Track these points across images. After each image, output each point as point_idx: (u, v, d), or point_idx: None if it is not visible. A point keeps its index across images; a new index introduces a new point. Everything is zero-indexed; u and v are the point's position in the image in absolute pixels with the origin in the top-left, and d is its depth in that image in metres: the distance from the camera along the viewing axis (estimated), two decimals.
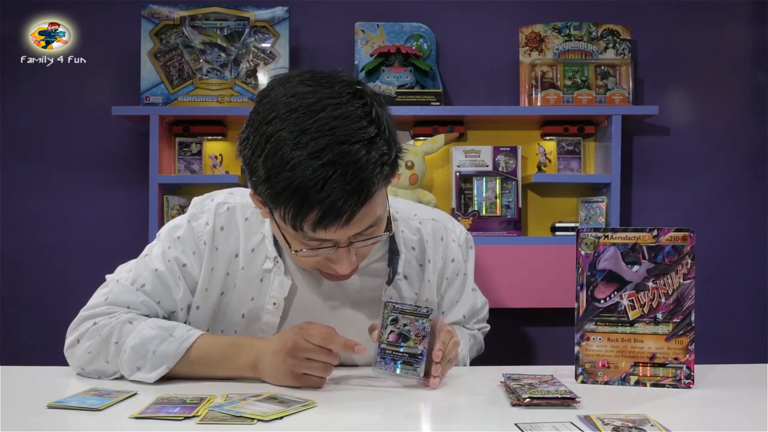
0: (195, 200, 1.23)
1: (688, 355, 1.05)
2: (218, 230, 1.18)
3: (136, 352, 1.06)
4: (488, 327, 1.43)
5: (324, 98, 0.96)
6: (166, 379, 1.06)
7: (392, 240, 1.21)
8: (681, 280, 1.05)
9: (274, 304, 1.17)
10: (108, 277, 1.21)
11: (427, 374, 1.04)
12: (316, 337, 1.03)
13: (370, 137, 0.96)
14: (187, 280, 1.17)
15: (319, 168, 0.92)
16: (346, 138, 0.94)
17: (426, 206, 1.35)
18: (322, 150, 0.93)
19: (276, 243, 1.17)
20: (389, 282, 1.20)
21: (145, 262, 1.18)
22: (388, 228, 1.08)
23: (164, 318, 1.16)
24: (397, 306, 1.06)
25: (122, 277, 1.17)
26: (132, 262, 1.21)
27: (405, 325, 1.05)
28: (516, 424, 0.85)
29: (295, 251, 1.04)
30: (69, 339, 1.13)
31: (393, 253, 1.21)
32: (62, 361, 1.18)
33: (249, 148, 0.98)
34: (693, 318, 1.05)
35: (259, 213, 1.19)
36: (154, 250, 1.19)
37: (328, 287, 1.18)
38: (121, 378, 1.09)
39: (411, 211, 1.29)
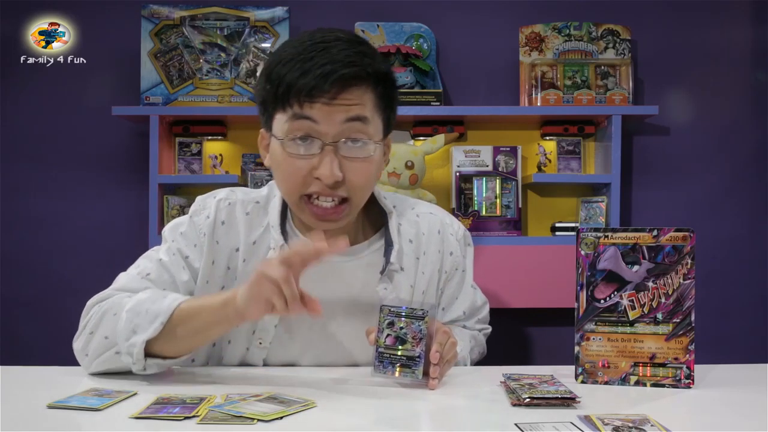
0: (198, 198, 1.26)
1: (688, 355, 1.05)
2: (219, 224, 1.20)
3: (132, 312, 1.06)
4: (489, 329, 1.42)
5: (321, 30, 1.11)
6: (167, 379, 1.06)
7: (387, 232, 1.24)
8: (681, 280, 1.05)
9: None
10: (119, 275, 1.22)
11: (426, 376, 1.04)
12: (275, 274, 0.97)
13: (362, 41, 1.12)
14: (190, 271, 1.19)
15: (311, 45, 1.07)
16: (338, 39, 1.09)
17: (424, 201, 1.37)
18: (314, 43, 1.07)
19: (282, 231, 1.19)
20: (382, 271, 1.21)
21: (149, 256, 1.21)
22: (376, 146, 1.13)
23: None
24: (392, 309, 1.06)
25: (128, 272, 1.20)
26: (137, 261, 1.23)
27: (401, 328, 1.06)
28: (516, 424, 0.85)
29: (281, 141, 1.10)
30: (78, 329, 1.14)
31: (388, 245, 1.23)
32: (62, 361, 1.19)
33: (257, 86, 1.13)
34: (693, 318, 1.05)
35: (261, 207, 1.22)
36: (160, 248, 1.22)
37: (328, 277, 1.18)
38: (122, 372, 1.08)
39: (409, 204, 1.32)
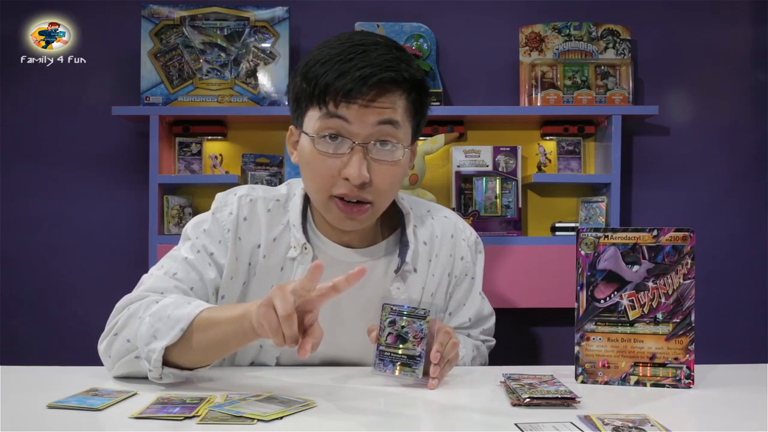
0: (218, 195, 1.26)
1: (688, 355, 1.05)
2: (241, 220, 1.21)
3: (154, 317, 1.04)
4: (493, 342, 1.41)
5: (359, 33, 1.16)
6: (170, 376, 1.06)
7: (403, 232, 1.25)
8: (681, 280, 1.05)
9: None
10: (143, 277, 1.20)
11: (427, 375, 1.04)
12: (279, 309, 0.93)
13: (399, 47, 1.13)
14: (216, 268, 1.19)
15: (350, 47, 1.08)
16: (376, 43, 1.11)
17: (439, 205, 1.38)
18: (352, 45, 1.09)
19: (304, 230, 1.20)
20: (397, 270, 1.22)
21: (173, 256, 1.20)
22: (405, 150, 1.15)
23: None
24: (395, 308, 1.07)
25: (154, 273, 1.19)
26: (161, 261, 1.22)
27: (403, 327, 1.06)
28: (516, 424, 0.85)
29: (313, 137, 1.11)
30: (105, 330, 1.11)
31: (404, 245, 1.24)
32: (62, 361, 1.19)
33: (292, 83, 1.15)
34: (693, 318, 1.05)
35: (281, 205, 1.23)
36: (182, 246, 1.21)
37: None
38: (125, 378, 1.08)
39: (424, 207, 1.33)
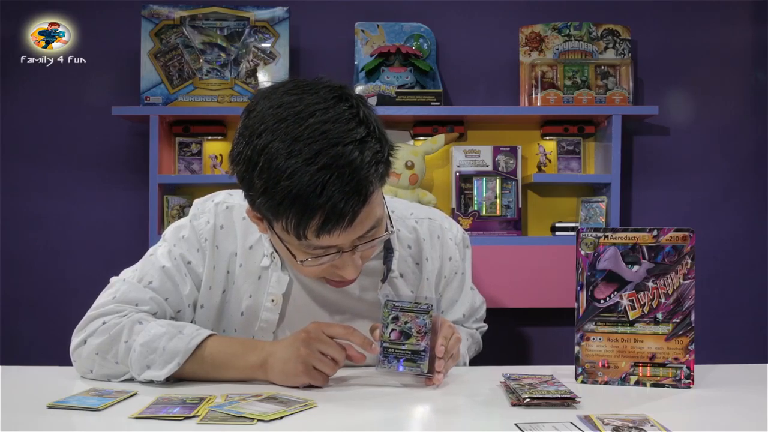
0: (196, 201, 1.25)
1: (688, 355, 1.05)
2: (218, 229, 1.20)
3: (146, 348, 1.05)
4: (486, 326, 1.43)
5: (311, 104, 0.97)
6: (171, 379, 1.06)
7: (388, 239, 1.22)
8: (681, 280, 1.05)
9: (273, 300, 1.18)
10: (112, 279, 1.21)
11: (430, 371, 1.04)
12: (336, 328, 1.05)
13: (361, 137, 0.96)
14: (192, 277, 1.18)
15: (316, 173, 0.93)
16: (339, 140, 0.94)
17: (421, 205, 1.36)
18: (316, 155, 0.93)
19: None
20: (384, 279, 1.21)
21: (150, 261, 1.19)
22: (390, 228, 1.09)
23: (172, 316, 1.17)
24: (397, 304, 1.06)
25: (128, 277, 1.18)
26: (137, 264, 1.22)
27: (406, 322, 1.05)
28: (516, 424, 0.85)
29: (301, 261, 1.04)
30: (75, 340, 1.12)
31: (388, 251, 1.22)
32: (62, 361, 1.18)
33: (242, 164, 0.98)
34: (693, 318, 1.05)
35: None
36: (159, 250, 1.20)
37: (327, 284, 1.18)
38: (131, 380, 1.07)
39: (407, 210, 1.30)
